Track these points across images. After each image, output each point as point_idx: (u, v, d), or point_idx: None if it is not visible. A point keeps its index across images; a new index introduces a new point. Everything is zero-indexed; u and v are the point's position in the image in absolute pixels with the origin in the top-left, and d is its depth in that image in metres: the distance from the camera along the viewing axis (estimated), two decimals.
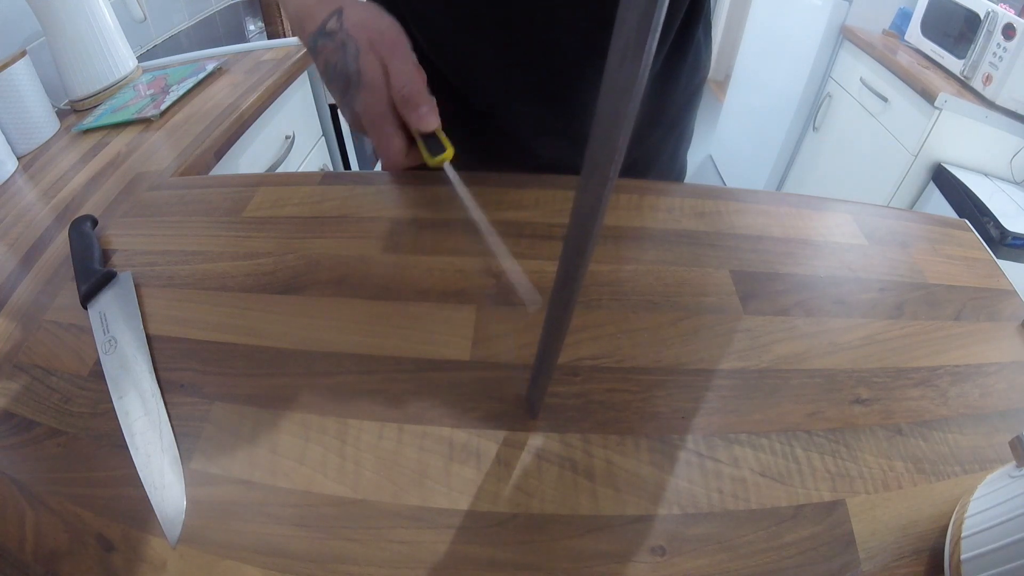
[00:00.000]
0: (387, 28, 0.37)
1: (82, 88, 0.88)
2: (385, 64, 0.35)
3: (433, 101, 0.37)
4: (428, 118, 0.37)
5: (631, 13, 0.14)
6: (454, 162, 0.41)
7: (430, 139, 0.40)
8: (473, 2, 0.45)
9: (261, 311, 0.40)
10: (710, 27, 0.57)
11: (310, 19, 0.37)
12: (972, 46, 1.26)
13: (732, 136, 2.33)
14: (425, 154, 0.39)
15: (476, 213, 0.39)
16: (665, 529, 0.28)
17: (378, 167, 0.46)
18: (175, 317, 0.40)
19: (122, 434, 0.32)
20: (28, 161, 0.75)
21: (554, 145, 0.56)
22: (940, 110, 1.28)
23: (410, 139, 0.40)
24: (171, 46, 1.26)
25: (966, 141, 1.31)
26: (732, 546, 0.28)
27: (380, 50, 0.35)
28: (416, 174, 0.53)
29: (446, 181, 0.41)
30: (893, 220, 0.49)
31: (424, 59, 0.51)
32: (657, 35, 0.14)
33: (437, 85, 0.52)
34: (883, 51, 1.47)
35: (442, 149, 0.40)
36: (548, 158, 0.56)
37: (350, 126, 0.39)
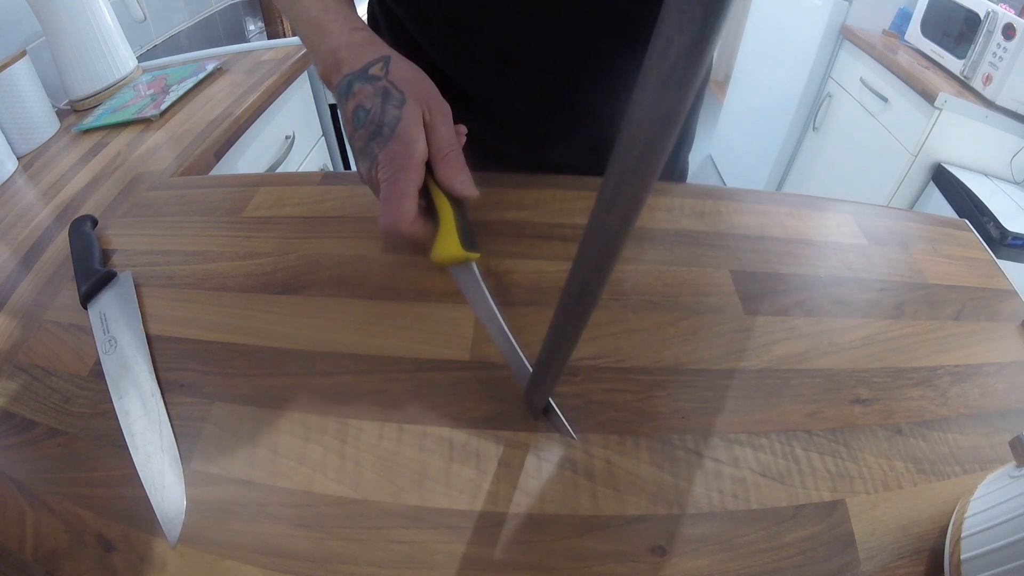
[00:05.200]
0: (435, 89, 0.36)
1: (82, 88, 0.88)
2: (429, 122, 0.34)
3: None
4: (470, 185, 0.34)
5: (682, 35, 0.12)
6: None
7: (462, 226, 0.34)
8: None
9: (261, 311, 0.40)
10: None
11: (347, 63, 0.36)
12: (972, 46, 1.26)
13: (732, 136, 2.33)
14: (451, 239, 0.33)
15: (494, 325, 0.33)
16: (665, 529, 0.28)
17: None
18: (175, 317, 0.40)
19: (122, 434, 0.32)
20: (28, 161, 0.75)
21: (556, 147, 0.56)
22: (940, 110, 1.28)
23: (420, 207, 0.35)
24: (171, 46, 1.26)
25: (966, 141, 1.30)
26: (732, 546, 0.28)
27: (427, 107, 0.34)
28: None
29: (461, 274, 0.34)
30: (893, 220, 0.49)
31: (424, 58, 0.51)
32: (710, 60, 0.13)
33: (441, 86, 0.52)
34: (883, 51, 1.46)
35: (472, 244, 0.34)
36: (549, 159, 0.56)
37: (361, 177, 0.35)
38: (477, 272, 0.35)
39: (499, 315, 0.33)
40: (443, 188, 0.35)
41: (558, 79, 0.49)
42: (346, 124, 0.36)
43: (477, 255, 0.35)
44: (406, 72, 0.35)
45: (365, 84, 0.34)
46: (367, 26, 0.39)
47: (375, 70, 0.34)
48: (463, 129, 0.38)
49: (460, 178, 0.34)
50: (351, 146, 0.36)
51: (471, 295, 0.34)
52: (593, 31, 0.46)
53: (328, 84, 0.38)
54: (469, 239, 0.35)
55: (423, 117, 0.34)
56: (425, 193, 0.35)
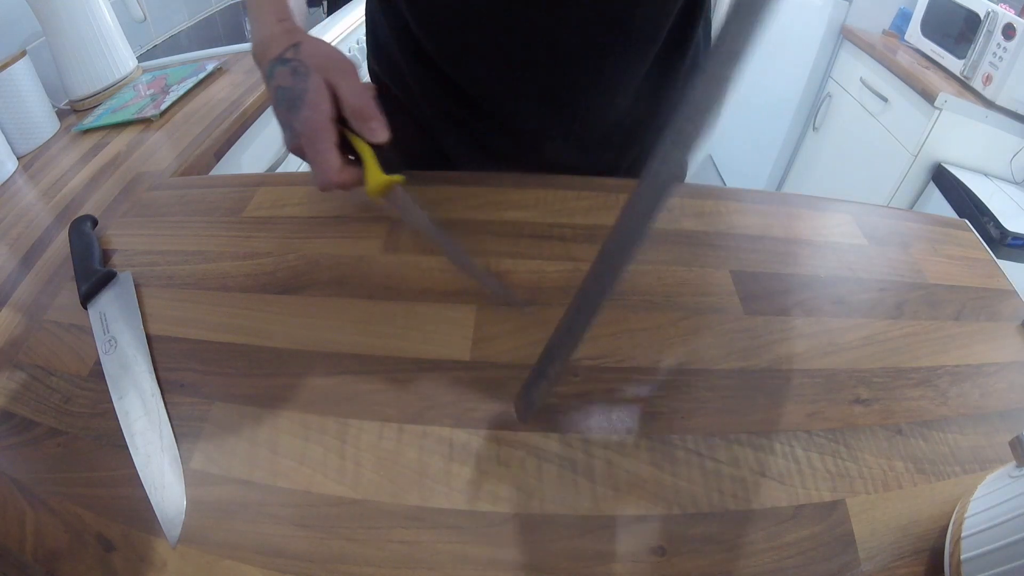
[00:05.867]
0: (338, 56, 0.40)
1: (82, 88, 0.88)
2: (333, 85, 0.38)
3: (383, 118, 0.39)
4: (380, 130, 0.38)
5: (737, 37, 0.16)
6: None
7: (383, 160, 0.39)
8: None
9: (261, 311, 0.40)
10: (710, 27, 0.57)
11: (271, 50, 0.41)
12: (972, 46, 1.26)
13: (732, 136, 2.33)
14: (374, 172, 0.39)
15: (435, 234, 0.39)
16: (665, 529, 0.28)
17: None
18: (175, 317, 0.40)
19: (122, 434, 0.32)
20: (28, 161, 0.75)
21: (555, 146, 0.56)
22: (940, 110, 1.28)
23: (347, 160, 0.40)
24: (171, 46, 1.26)
25: (966, 141, 1.30)
26: (732, 546, 0.28)
27: (330, 73, 0.38)
28: (415, 175, 0.53)
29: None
30: (893, 220, 0.49)
31: (425, 58, 0.51)
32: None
33: (441, 86, 0.52)
34: (883, 51, 1.46)
35: (395, 171, 0.39)
36: (550, 158, 0.56)
37: (288, 147, 0.40)
38: (407, 194, 0.39)
39: (437, 227, 0.39)
40: (360, 137, 0.39)
41: (558, 79, 0.50)
42: (273, 104, 0.40)
43: (401, 177, 0.39)
44: (313, 49, 0.40)
45: (282, 67, 0.39)
46: (292, 17, 0.43)
47: (288, 54, 0.39)
48: (371, 85, 0.41)
49: (369, 126, 0.38)
50: (279, 122, 0.40)
51: (409, 217, 0.39)
52: (592, 31, 0.46)
53: (260, 70, 0.43)
54: (392, 170, 0.39)
55: (327, 82, 0.38)
56: (349, 147, 0.39)
